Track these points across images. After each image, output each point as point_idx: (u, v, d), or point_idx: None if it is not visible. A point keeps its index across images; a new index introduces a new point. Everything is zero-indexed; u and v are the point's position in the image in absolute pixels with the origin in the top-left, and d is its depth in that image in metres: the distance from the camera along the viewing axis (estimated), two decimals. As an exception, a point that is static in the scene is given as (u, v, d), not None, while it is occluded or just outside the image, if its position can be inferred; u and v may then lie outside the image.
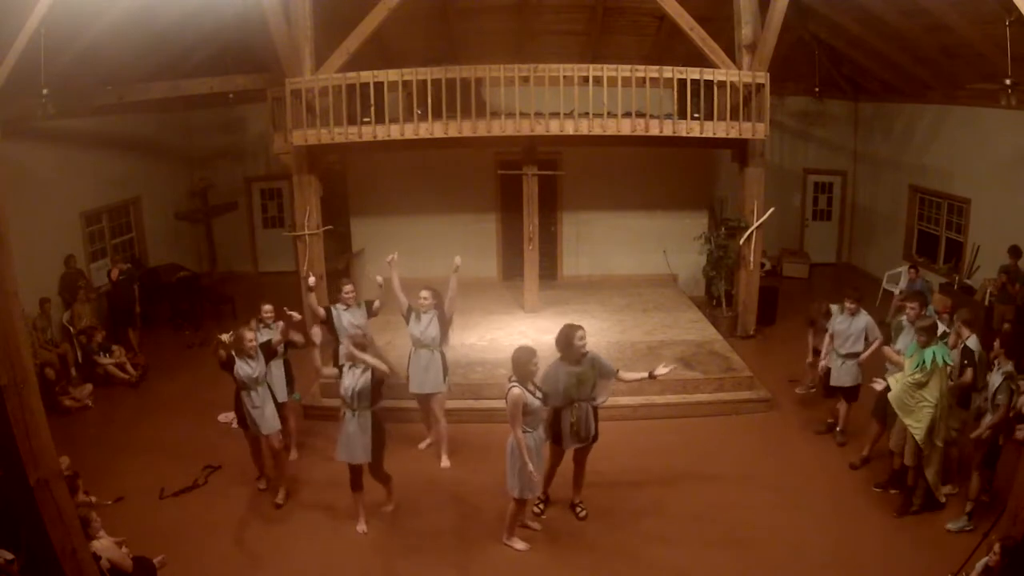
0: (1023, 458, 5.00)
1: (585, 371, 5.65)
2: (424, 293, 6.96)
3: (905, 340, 6.52)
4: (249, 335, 6.13)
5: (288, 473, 6.67)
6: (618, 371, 5.84)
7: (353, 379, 5.66)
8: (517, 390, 5.23)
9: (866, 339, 7.01)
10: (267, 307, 7.00)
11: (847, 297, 7.08)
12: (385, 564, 5.65)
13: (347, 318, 7.07)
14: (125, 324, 10.04)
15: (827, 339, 7.22)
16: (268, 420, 6.24)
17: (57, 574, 4.19)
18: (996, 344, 5.85)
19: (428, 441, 7.35)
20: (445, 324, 6.98)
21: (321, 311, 7.09)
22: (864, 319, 7.03)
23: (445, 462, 7.09)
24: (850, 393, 7.23)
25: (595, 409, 5.80)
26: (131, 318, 10.19)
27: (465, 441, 7.36)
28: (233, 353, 6.07)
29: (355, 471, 5.90)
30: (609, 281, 11.97)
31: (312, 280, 7.29)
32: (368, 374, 5.64)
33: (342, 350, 6.33)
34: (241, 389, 6.16)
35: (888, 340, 6.77)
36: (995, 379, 5.72)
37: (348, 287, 7.23)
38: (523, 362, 5.29)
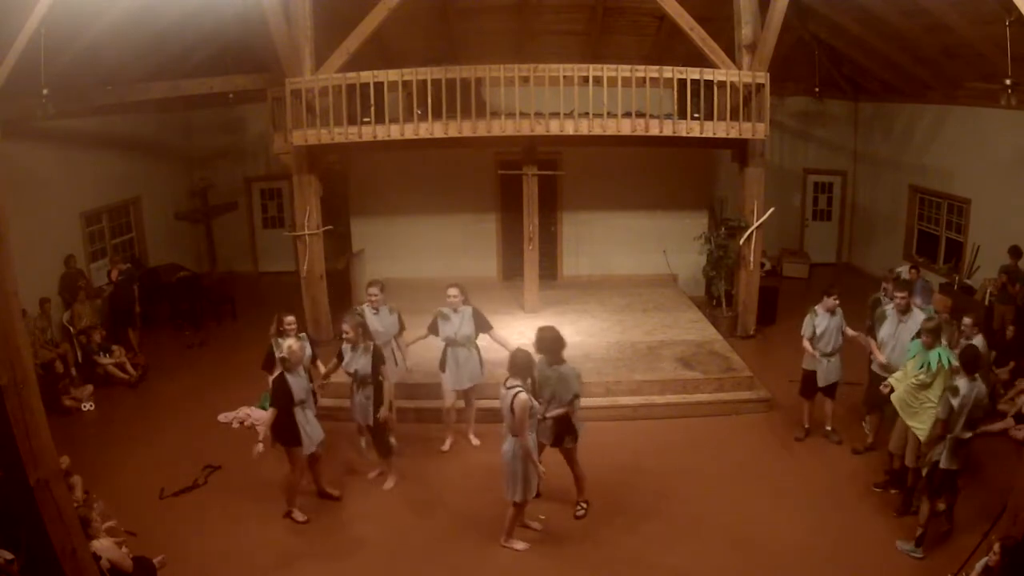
0: (1023, 458, 4.99)
1: (549, 377, 5.70)
2: (452, 291, 7.02)
3: (888, 329, 6.57)
4: (296, 345, 5.99)
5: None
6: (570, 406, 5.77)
7: (356, 360, 6.24)
8: (524, 396, 5.20)
9: (843, 332, 7.12)
10: (290, 318, 6.80)
11: (828, 294, 7.09)
12: (384, 564, 5.66)
13: (373, 322, 6.95)
14: (125, 324, 10.03)
15: (806, 343, 7.16)
16: (320, 432, 6.19)
17: (57, 574, 4.20)
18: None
19: (450, 441, 7.35)
20: (484, 324, 7.18)
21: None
22: (840, 314, 7.12)
23: (475, 441, 7.39)
24: (833, 390, 7.28)
25: (556, 419, 5.76)
26: (131, 318, 10.18)
27: (464, 442, 7.39)
28: (284, 372, 5.86)
29: None
30: (609, 281, 11.96)
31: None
32: (369, 356, 6.21)
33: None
34: (295, 406, 5.88)
35: (870, 330, 6.81)
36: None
37: (373, 289, 7.16)
38: (526, 363, 5.30)
